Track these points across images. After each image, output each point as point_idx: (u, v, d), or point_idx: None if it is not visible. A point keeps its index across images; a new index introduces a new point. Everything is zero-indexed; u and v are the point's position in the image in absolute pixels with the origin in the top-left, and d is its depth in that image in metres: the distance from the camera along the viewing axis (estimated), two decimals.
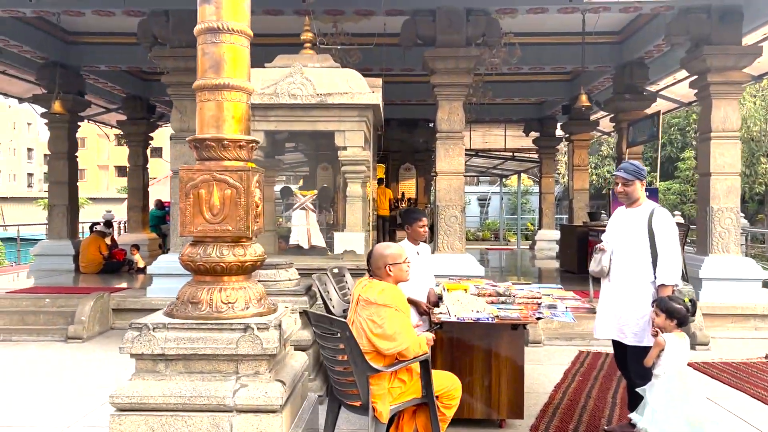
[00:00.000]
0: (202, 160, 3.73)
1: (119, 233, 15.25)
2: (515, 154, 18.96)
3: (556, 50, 10.89)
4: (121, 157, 55.31)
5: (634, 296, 3.98)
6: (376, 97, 6.45)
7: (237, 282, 3.71)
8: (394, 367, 3.41)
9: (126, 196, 15.30)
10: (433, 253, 8.05)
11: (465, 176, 28.97)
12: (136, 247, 11.05)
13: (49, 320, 7.33)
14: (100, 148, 53.33)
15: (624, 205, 4.24)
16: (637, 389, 3.73)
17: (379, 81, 6.87)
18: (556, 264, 13.76)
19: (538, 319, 4.21)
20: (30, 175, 62.55)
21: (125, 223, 15.93)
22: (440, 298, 4.65)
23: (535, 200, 30.94)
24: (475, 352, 4.31)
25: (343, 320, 3.39)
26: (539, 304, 4.36)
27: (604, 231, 4.26)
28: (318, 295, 5.35)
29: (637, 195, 4.06)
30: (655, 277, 3.92)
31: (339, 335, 3.35)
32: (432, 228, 9.99)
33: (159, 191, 21.95)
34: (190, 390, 3.40)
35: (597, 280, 4.45)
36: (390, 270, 3.62)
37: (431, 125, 18.14)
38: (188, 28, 8.26)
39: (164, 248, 14.62)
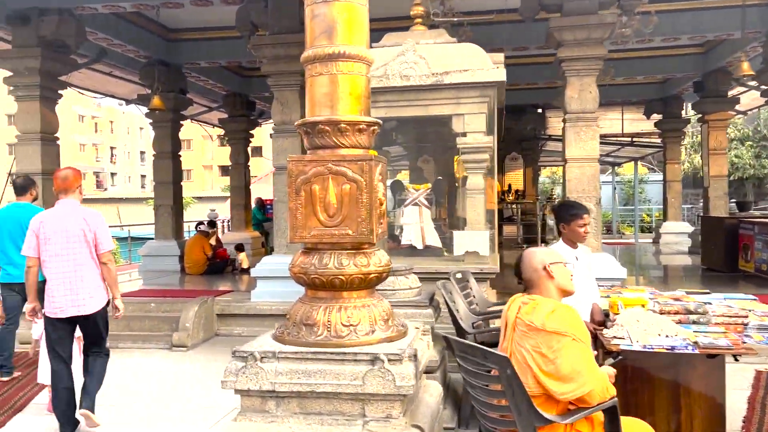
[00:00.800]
0: (314, 149, 3.03)
1: (223, 232, 15.24)
2: (634, 139, 17.29)
3: (694, 17, 9.46)
4: (224, 156, 57.32)
5: None
6: (501, 74, 5.57)
7: (359, 298, 2.99)
8: (572, 417, 2.55)
9: (229, 194, 15.27)
10: None
11: None
12: (241, 247, 10.76)
13: (154, 326, 7.04)
14: (204, 148, 55.50)
15: None
16: None
17: (501, 56, 5.96)
18: (689, 260, 12.24)
19: (743, 343, 3.19)
20: (143, 176, 66.33)
21: (228, 221, 15.94)
22: (606, 314, 3.73)
23: (651, 189, 28.60)
24: (657, 385, 3.36)
25: (503, 354, 2.56)
26: (745, 324, 3.33)
27: (761, 224, 3.32)
28: (445, 305, 4.58)
29: None
30: None
31: (498, 373, 2.53)
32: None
33: (260, 189, 22.05)
34: None
35: None
36: (551, 270, 2.76)
37: (540, 111, 16.89)
38: (288, 13, 7.75)
39: (267, 246, 14.44)
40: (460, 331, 4.37)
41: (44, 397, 5.09)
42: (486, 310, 5.19)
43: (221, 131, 16.19)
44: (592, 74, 6.99)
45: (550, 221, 17.51)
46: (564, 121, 7.19)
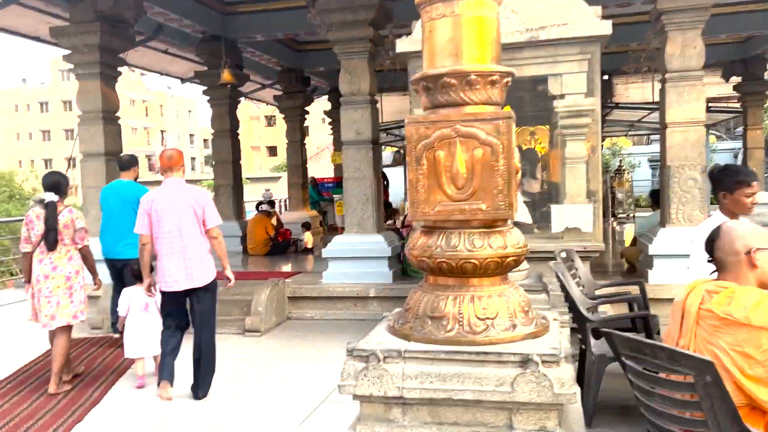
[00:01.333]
0: (436, 108, 2.53)
1: (280, 212, 15.01)
2: (710, 104, 16.13)
3: None
4: (271, 137, 57.65)
5: None
6: (606, 26, 4.94)
7: (493, 286, 2.50)
8: None
9: (279, 174, 15.01)
10: (664, 225, 6.42)
11: (636, 135, 26.02)
12: (308, 225, 10.43)
13: (224, 310, 6.72)
14: (252, 129, 55.77)
15: None
16: None
17: (599, 9, 5.31)
18: None
19: None
20: (192, 159, 67.33)
21: (286, 201, 15.71)
22: None
23: (720, 159, 27.01)
24: None
25: (703, 357, 2.04)
26: None
27: None
28: (560, 289, 4.06)
29: None
30: None
31: (693, 380, 2.02)
32: (653, 193, 8.25)
33: (311, 168, 21.76)
34: None
35: None
36: (756, 257, 2.22)
37: (606, 78, 15.91)
38: None
39: (325, 225, 14.13)
40: (580, 319, 3.85)
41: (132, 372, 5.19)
42: (596, 294, 4.66)
43: (273, 110, 15.90)
44: (696, 27, 6.28)
45: (619, 194, 16.66)
46: (663, 81, 6.49)
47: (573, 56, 5.06)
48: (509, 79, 2.54)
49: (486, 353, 2.30)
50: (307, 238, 10.12)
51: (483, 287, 2.49)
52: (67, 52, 7.61)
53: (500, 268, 2.48)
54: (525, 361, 2.24)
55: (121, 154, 6.09)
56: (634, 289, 4.76)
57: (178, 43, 10.19)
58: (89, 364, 5.50)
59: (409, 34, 5.41)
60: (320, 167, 25.19)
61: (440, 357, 2.34)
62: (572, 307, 3.93)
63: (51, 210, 4.68)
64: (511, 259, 2.48)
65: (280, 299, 6.86)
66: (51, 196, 4.74)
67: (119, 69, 8.02)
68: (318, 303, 7.02)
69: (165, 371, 4.50)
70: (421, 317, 2.51)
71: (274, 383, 4.94)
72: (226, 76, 9.43)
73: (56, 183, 4.79)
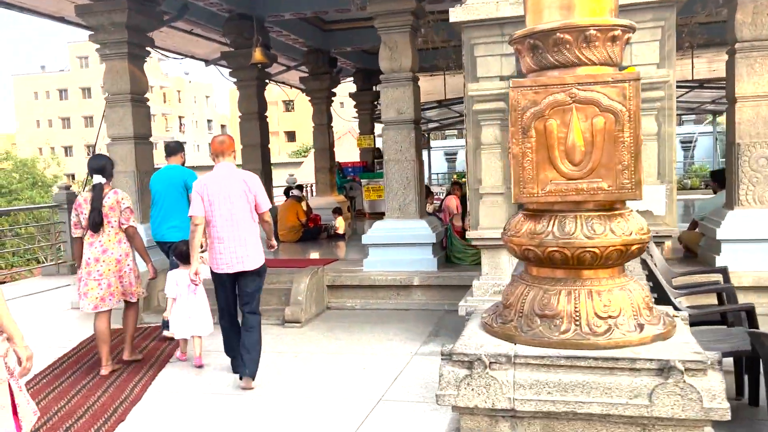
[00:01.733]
0: (544, 69, 2.16)
1: (308, 197, 14.72)
2: None
3: None
4: (289, 122, 57.32)
5: None
6: None
7: (611, 278, 2.15)
8: None
9: (299, 159, 14.67)
10: (731, 208, 5.98)
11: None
12: (339, 210, 10.11)
13: (262, 299, 6.39)
14: (270, 114, 55.44)
15: None
16: None
17: None
18: None
19: None
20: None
21: (312, 185, 15.39)
22: None
23: None
24: None
25: None
26: None
27: None
28: (646, 278, 3.68)
29: None
30: None
31: None
32: (716, 174, 7.79)
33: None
34: None
35: None
36: None
37: None
38: None
39: (352, 211, 13.80)
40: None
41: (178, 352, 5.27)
42: (674, 283, 4.28)
43: (297, 93, 15.55)
44: None
45: None
46: (730, 52, 6.01)
47: (645, 23, 4.61)
48: (631, 35, 2.17)
49: (616, 359, 1.94)
50: (339, 224, 9.78)
51: (600, 280, 2.14)
52: (92, 33, 7.30)
53: (622, 258, 2.12)
54: (664, 369, 1.88)
55: (168, 141, 6.23)
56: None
57: (203, 23, 9.83)
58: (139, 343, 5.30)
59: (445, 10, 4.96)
60: (342, 151, 24.82)
61: (559, 363, 1.99)
62: (660, 298, 3.55)
63: (97, 192, 4.80)
64: (635, 247, 2.12)
65: (320, 288, 6.55)
66: (98, 179, 4.86)
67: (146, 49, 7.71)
68: (359, 292, 6.71)
69: (245, 367, 4.43)
70: (527, 315, 2.16)
71: (323, 379, 4.63)
72: (258, 55, 9.05)
73: (102, 166, 4.93)
